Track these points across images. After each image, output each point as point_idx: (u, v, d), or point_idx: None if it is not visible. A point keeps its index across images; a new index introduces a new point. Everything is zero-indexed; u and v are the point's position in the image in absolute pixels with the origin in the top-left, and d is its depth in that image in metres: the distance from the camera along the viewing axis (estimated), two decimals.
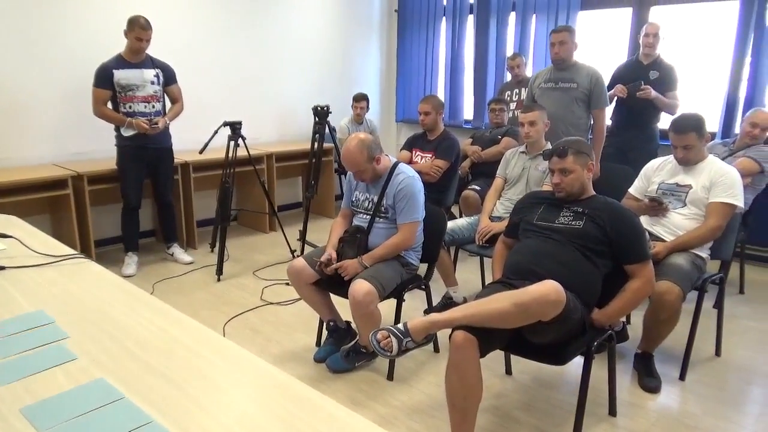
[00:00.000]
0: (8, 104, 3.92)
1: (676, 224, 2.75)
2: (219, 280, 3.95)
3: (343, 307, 2.87)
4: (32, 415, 1.08)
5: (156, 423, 1.06)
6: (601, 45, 5.15)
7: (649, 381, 2.62)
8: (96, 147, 4.28)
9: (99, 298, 1.66)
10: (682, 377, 2.71)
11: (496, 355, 2.52)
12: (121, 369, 1.26)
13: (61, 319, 1.51)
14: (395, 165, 2.76)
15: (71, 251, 2.06)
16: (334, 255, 2.70)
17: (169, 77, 3.99)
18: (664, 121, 4.08)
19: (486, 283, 3.80)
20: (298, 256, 3.16)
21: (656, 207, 2.82)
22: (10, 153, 3.98)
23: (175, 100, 4.07)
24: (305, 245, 4.44)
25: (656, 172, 2.93)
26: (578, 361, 2.14)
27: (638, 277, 2.17)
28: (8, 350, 1.33)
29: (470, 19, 5.81)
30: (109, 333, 1.43)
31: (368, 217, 2.76)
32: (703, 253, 2.71)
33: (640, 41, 4.19)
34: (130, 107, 3.84)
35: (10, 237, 2.07)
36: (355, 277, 2.53)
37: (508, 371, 2.75)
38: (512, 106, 4.81)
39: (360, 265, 2.62)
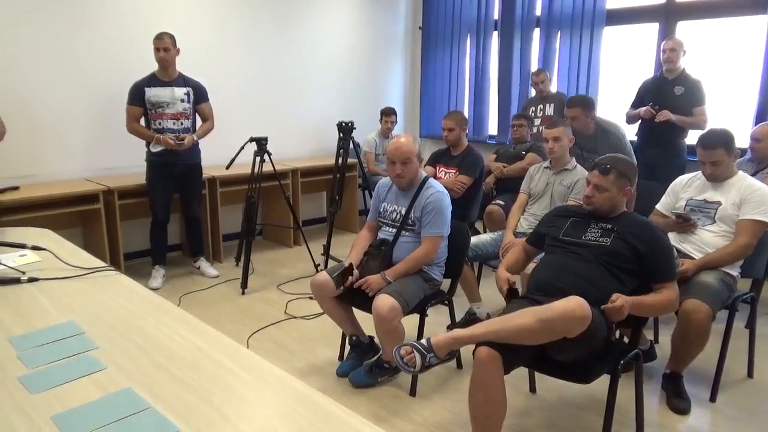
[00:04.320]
0: (43, 121, 4.05)
1: (705, 241, 2.70)
2: (244, 293, 3.99)
3: (365, 321, 2.87)
4: (63, 423, 1.11)
5: None
6: (627, 60, 5.12)
7: (678, 402, 2.56)
8: (127, 162, 4.39)
9: (127, 309, 1.69)
10: (712, 399, 2.64)
11: (521, 373, 2.49)
12: (148, 379, 1.28)
13: (91, 329, 1.54)
14: (426, 179, 2.79)
15: (101, 264, 2.11)
16: (354, 264, 2.71)
17: (200, 95, 4.08)
18: (693, 137, 4.02)
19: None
20: (321, 270, 3.17)
21: (684, 224, 2.77)
22: (44, 168, 4.10)
23: (206, 118, 4.15)
24: (329, 260, 4.46)
25: (684, 189, 2.88)
26: (604, 379, 2.11)
27: (668, 291, 2.14)
28: (40, 359, 1.37)
29: (495, 36, 5.83)
30: (136, 344, 1.46)
31: (394, 230, 2.77)
32: (734, 271, 2.65)
33: (661, 57, 4.16)
34: (159, 124, 3.93)
35: (44, 249, 2.13)
36: (379, 293, 2.53)
37: (533, 389, 2.72)
38: (537, 122, 4.80)
39: (384, 281, 2.63)
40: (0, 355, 1.39)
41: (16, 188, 3.79)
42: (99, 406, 1.17)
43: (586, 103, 3.47)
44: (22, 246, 2.08)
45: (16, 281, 1.88)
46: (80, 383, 1.27)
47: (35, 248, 2.10)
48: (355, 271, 2.70)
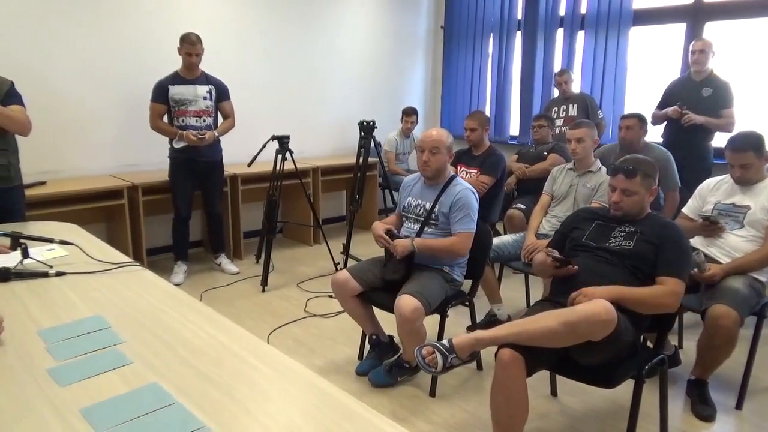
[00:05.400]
0: (70, 119, 4.11)
1: (732, 246, 2.64)
2: (264, 290, 4.01)
3: (385, 320, 2.87)
4: (91, 416, 1.12)
5: (207, 428, 1.09)
6: (653, 61, 5.05)
7: (702, 409, 2.51)
8: (150, 159, 4.45)
9: (152, 305, 1.71)
10: (738, 407, 2.58)
11: (541, 375, 2.46)
12: (173, 374, 1.29)
13: (117, 324, 1.56)
14: (453, 176, 2.79)
15: (127, 259, 2.13)
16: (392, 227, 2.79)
17: (221, 93, 4.11)
18: (720, 140, 3.95)
19: (531, 301, 3.74)
20: (341, 268, 3.18)
21: (710, 227, 2.72)
22: (71, 164, 4.17)
23: (227, 116, 4.18)
24: (348, 258, 4.47)
25: (712, 192, 2.83)
26: (626, 384, 2.08)
27: (664, 285, 2.05)
28: (68, 353, 1.39)
29: (518, 36, 5.79)
30: (162, 339, 1.47)
31: (418, 225, 2.77)
32: (763, 276, 2.59)
33: (689, 58, 4.09)
34: (182, 121, 3.97)
35: (72, 244, 2.16)
36: (402, 293, 2.52)
37: (554, 392, 2.69)
38: (559, 122, 4.76)
39: (411, 246, 2.63)
40: (30, 347, 1.41)
41: (43, 183, 3.85)
42: (126, 400, 1.19)
43: (643, 118, 3.58)
44: (50, 240, 2.11)
45: (44, 275, 1.91)
46: (107, 377, 1.28)
47: (63, 243, 2.13)
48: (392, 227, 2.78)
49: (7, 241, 2.00)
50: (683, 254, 2.11)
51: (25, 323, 1.55)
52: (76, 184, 3.94)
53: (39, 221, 2.86)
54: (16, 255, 1.98)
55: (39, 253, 2.13)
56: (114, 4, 4.17)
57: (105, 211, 4.22)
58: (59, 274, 1.93)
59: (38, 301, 1.71)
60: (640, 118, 3.55)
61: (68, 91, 4.08)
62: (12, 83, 2.73)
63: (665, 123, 4.23)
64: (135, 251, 4.10)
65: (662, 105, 4.23)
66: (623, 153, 3.51)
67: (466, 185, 2.75)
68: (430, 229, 2.74)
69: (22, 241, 1.99)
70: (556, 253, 2.24)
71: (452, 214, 2.68)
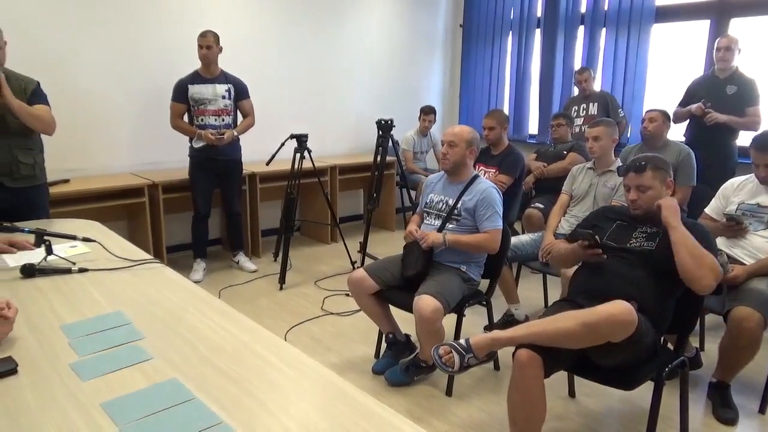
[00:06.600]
0: (92, 117, 4.18)
1: (757, 247, 2.59)
2: (281, 288, 4.04)
3: (401, 319, 2.87)
4: (112, 411, 1.14)
5: (225, 424, 1.10)
6: (676, 58, 4.97)
7: (724, 412, 2.47)
8: (171, 157, 4.50)
9: (173, 301, 1.73)
10: (761, 411, 2.53)
11: (559, 376, 2.44)
12: (192, 370, 1.31)
13: (138, 320, 1.58)
14: (476, 175, 2.81)
15: (147, 256, 2.16)
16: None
17: (240, 92, 4.14)
18: (744, 138, 3.88)
19: (549, 302, 3.71)
20: (358, 267, 3.19)
21: (734, 227, 2.67)
22: (92, 162, 4.23)
23: (246, 114, 4.21)
24: (366, 257, 4.47)
25: (735, 192, 2.78)
26: (646, 387, 2.05)
27: None
28: (90, 348, 1.41)
29: (537, 33, 5.74)
30: (181, 335, 1.49)
31: (439, 221, 2.77)
32: None
33: (714, 55, 4.02)
34: (202, 120, 4.01)
35: (94, 241, 2.19)
36: (421, 293, 2.52)
37: (572, 393, 2.67)
38: (579, 121, 4.71)
39: (442, 240, 2.65)
40: (54, 342, 1.44)
41: (66, 181, 3.92)
42: (146, 395, 1.20)
43: (667, 114, 3.59)
44: (73, 237, 2.15)
45: (67, 271, 1.95)
46: (128, 372, 1.30)
47: (86, 240, 2.17)
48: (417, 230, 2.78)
49: (31, 238, 2.04)
50: (712, 251, 2.08)
51: (48, 318, 1.58)
52: (98, 182, 4.00)
53: (62, 218, 2.91)
54: (41, 252, 2.02)
55: (62, 249, 2.17)
56: (137, 5, 4.23)
57: (126, 208, 4.28)
58: (82, 270, 1.96)
59: (61, 297, 1.74)
60: (664, 113, 3.54)
61: (92, 91, 4.14)
62: (38, 83, 2.78)
63: (688, 121, 4.16)
64: (155, 248, 4.15)
65: (684, 103, 4.16)
66: (645, 147, 3.51)
67: (489, 183, 2.76)
68: (451, 225, 2.74)
69: (46, 238, 2.03)
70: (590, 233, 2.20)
71: (479, 212, 2.68)
